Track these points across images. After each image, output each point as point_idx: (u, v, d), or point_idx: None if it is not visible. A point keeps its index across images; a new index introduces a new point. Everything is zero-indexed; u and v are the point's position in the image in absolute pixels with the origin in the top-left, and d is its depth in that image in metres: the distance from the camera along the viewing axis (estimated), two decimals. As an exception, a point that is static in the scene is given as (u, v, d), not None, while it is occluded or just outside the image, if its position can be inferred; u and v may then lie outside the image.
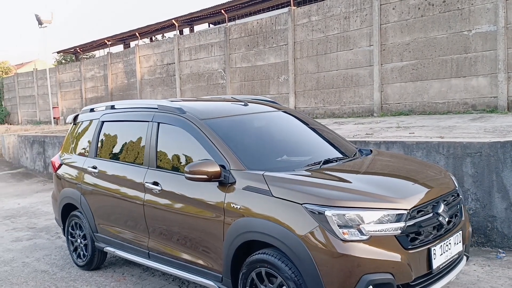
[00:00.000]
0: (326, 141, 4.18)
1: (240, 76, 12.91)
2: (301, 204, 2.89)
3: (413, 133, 6.39)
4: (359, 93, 10.35)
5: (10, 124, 22.93)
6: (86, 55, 27.98)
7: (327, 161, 3.56)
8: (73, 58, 28.76)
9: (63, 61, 30.74)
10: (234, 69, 13.07)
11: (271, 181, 3.13)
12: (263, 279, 3.12)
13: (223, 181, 3.35)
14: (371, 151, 4.13)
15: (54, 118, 19.02)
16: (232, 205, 3.25)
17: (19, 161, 13.63)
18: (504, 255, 4.52)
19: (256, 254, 3.14)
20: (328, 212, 2.78)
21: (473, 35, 8.55)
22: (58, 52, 25.89)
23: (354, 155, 3.93)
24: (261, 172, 3.23)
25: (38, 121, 22.70)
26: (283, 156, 3.75)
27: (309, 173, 3.31)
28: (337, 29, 10.63)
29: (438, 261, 3.01)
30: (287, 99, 11.75)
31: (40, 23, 17.14)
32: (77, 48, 23.32)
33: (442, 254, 3.06)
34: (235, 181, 3.29)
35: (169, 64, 15.32)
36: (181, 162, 3.84)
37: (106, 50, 21.44)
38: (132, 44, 20.41)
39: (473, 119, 7.54)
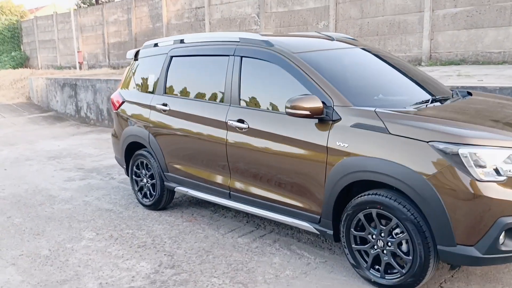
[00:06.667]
0: (418, 81, 3.89)
1: (276, 22, 12.41)
2: (427, 142, 2.66)
3: (482, 80, 6.06)
4: (406, 41, 9.89)
5: (31, 69, 22.57)
6: (106, -2, 27.24)
7: (434, 100, 3.31)
8: (93, 1, 28.04)
9: (82, 4, 29.95)
10: (269, 14, 12.55)
11: (386, 117, 2.89)
12: (372, 220, 2.96)
13: (325, 118, 3.13)
14: (468, 93, 3.85)
15: (78, 63, 18.68)
16: (337, 143, 3.04)
17: (49, 104, 13.50)
18: None
19: (364, 195, 2.96)
20: (463, 150, 2.55)
21: (539, -21, 7.99)
22: (77, -5, 25.22)
23: (453, 96, 3.67)
24: (373, 108, 2.99)
25: (59, 66, 22.39)
26: (379, 95, 3.50)
27: (425, 111, 3.06)
28: (384, -29, 10.04)
29: None
30: (326, 46, 11.31)
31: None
32: (98, -9, 22.64)
33: None
34: (340, 118, 3.07)
35: (198, 8, 14.77)
36: (271, 99, 3.60)
37: (129, -7, 20.71)
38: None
39: (537, 69, 7.16)
